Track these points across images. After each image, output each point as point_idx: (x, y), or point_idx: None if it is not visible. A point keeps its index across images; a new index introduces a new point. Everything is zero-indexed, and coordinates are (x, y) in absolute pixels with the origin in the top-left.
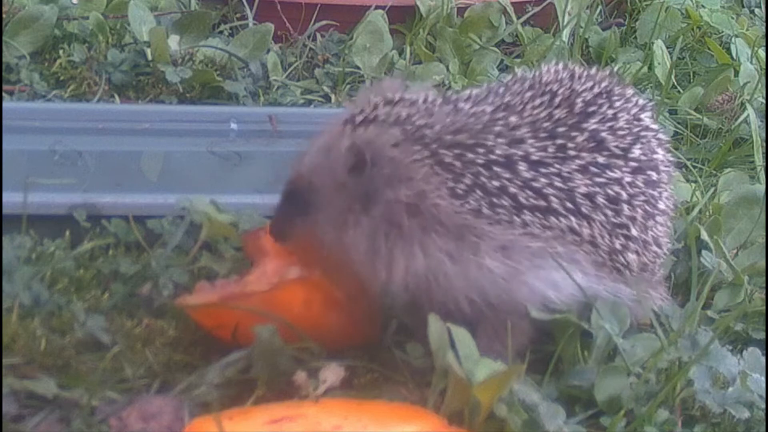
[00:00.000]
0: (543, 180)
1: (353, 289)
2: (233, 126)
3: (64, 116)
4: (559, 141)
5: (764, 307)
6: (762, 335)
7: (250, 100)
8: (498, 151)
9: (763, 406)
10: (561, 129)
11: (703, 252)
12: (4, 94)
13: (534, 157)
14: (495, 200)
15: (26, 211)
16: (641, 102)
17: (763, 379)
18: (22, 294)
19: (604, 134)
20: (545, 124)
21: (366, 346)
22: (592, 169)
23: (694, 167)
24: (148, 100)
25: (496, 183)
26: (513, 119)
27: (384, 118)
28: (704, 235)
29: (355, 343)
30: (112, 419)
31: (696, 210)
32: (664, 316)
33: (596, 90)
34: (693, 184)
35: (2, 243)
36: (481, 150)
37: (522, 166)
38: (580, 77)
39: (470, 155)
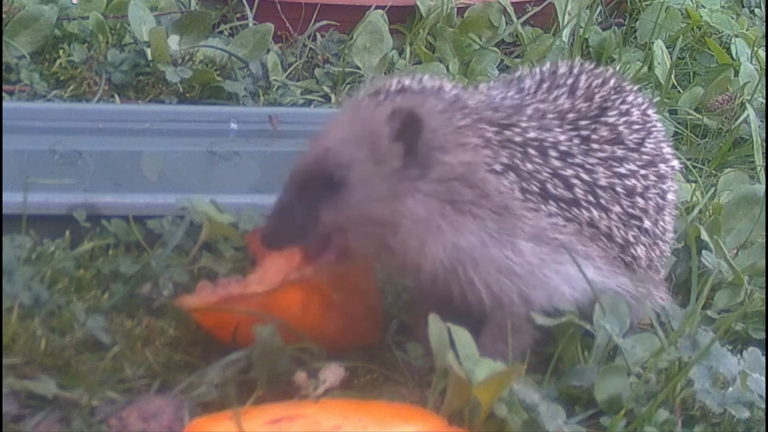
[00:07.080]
0: (570, 171)
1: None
2: (233, 126)
3: (64, 116)
4: (584, 132)
5: (764, 307)
6: (762, 335)
7: (250, 100)
8: (532, 134)
9: (763, 406)
10: (584, 122)
11: (703, 252)
12: (4, 94)
13: (563, 147)
14: (525, 185)
15: (26, 211)
16: (646, 99)
17: (763, 379)
18: (22, 294)
19: (621, 128)
20: (570, 115)
21: (366, 347)
22: (612, 161)
23: (694, 167)
24: (148, 100)
25: (529, 166)
26: (541, 106)
27: (418, 89)
28: (704, 235)
29: (355, 344)
30: (112, 419)
31: (696, 210)
32: (664, 315)
33: (609, 85)
34: (693, 184)
35: (2, 243)
36: (517, 129)
37: (553, 154)
38: (591, 73)
39: (507, 133)
